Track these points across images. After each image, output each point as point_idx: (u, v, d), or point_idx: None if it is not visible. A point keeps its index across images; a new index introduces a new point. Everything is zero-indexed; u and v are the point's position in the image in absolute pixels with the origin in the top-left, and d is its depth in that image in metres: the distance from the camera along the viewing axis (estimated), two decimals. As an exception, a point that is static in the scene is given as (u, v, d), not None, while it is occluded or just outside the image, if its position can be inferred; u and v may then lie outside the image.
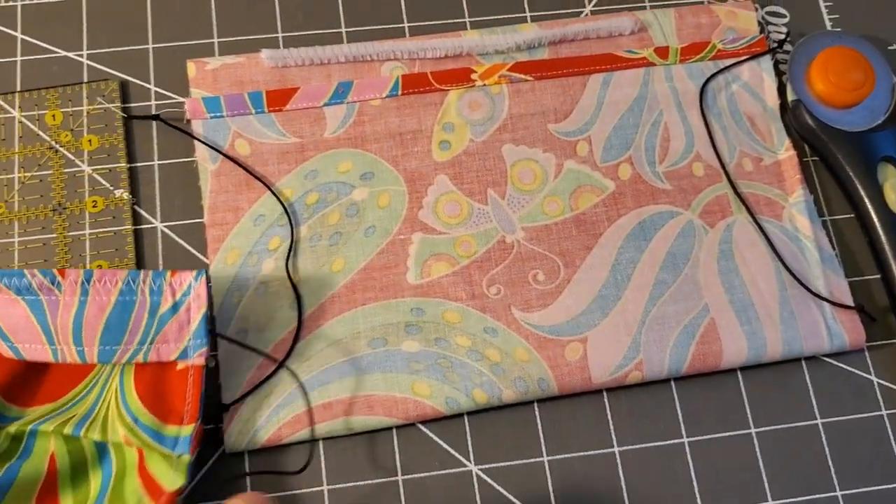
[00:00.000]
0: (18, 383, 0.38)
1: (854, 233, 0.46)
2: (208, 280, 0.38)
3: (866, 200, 0.45)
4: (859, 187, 0.45)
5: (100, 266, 0.43)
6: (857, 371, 0.44)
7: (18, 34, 0.47)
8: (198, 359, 0.38)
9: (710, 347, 0.42)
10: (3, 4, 0.47)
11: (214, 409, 0.40)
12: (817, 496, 0.41)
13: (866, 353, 0.44)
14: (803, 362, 0.44)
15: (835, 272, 0.45)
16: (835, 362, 0.44)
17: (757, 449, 0.42)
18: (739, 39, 0.48)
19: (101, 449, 0.38)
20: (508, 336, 0.42)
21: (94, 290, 0.37)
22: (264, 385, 0.40)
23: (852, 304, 0.44)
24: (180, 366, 0.38)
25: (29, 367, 0.38)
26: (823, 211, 0.47)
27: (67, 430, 0.37)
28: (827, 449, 0.42)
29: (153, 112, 0.45)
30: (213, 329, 0.39)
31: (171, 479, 0.36)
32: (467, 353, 0.42)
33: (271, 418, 0.40)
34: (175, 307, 0.37)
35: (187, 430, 0.37)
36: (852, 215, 0.47)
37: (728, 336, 0.43)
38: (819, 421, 0.43)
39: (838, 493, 0.41)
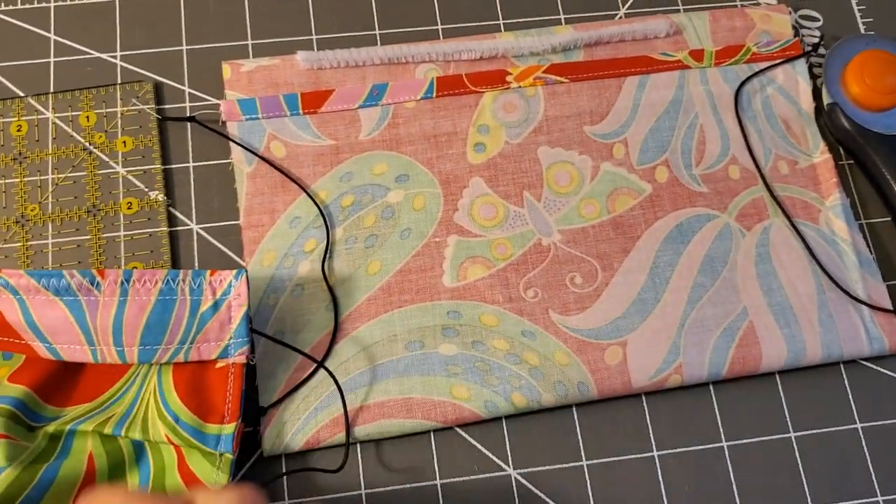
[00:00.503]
0: (55, 383, 0.38)
1: (891, 236, 0.46)
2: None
3: (904, 204, 0.45)
4: (896, 190, 0.45)
5: (135, 268, 0.42)
6: (896, 375, 0.44)
7: (52, 35, 0.47)
8: (239, 357, 0.38)
9: (749, 351, 0.42)
10: (36, 6, 0.47)
11: (252, 412, 0.40)
12: (858, 501, 0.41)
13: (905, 357, 0.44)
14: (842, 366, 0.44)
15: (872, 275, 0.44)
16: (873, 366, 0.44)
17: (797, 453, 0.42)
18: (774, 43, 0.48)
19: (139, 448, 0.38)
20: (547, 339, 0.42)
21: (134, 290, 0.37)
22: (302, 388, 0.40)
23: (891, 308, 0.44)
24: (220, 364, 0.38)
25: (65, 367, 0.38)
26: (859, 214, 0.47)
27: (108, 429, 0.37)
28: (867, 453, 0.42)
29: (188, 114, 0.45)
30: (252, 328, 0.38)
31: (215, 477, 0.36)
32: (505, 357, 0.41)
33: (309, 421, 0.40)
34: (216, 306, 0.37)
35: (229, 428, 0.37)
36: (889, 218, 0.46)
37: (767, 339, 0.42)
38: (859, 425, 0.42)
39: (879, 499, 0.41)
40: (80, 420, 0.37)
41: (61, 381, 0.38)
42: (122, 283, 0.37)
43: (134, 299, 0.37)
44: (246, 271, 0.38)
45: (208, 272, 0.37)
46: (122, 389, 0.39)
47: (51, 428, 0.37)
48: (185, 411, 0.37)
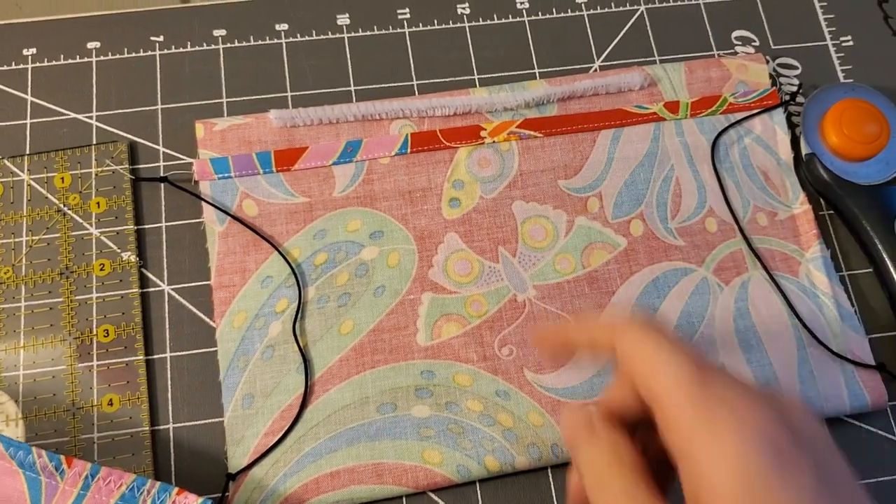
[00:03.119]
0: None
1: (873, 288, 0.45)
2: (217, 502, 0.36)
3: (884, 255, 0.44)
4: (877, 241, 0.44)
5: (106, 331, 0.42)
6: (879, 431, 0.43)
7: (28, 97, 0.47)
8: None
9: (727, 409, 0.41)
10: (13, 67, 0.47)
11: (221, 479, 0.39)
12: (843, 564, 0.40)
13: (889, 413, 0.43)
14: (824, 423, 0.43)
15: (854, 330, 0.44)
16: (856, 423, 0.43)
17: (778, 514, 0.41)
18: (751, 92, 0.48)
19: None
20: (521, 399, 0.41)
21: (97, 486, 0.36)
22: (271, 453, 0.40)
23: (873, 363, 0.43)
24: None
25: None
26: (841, 266, 0.46)
27: None
28: (851, 514, 0.41)
29: (161, 173, 0.45)
30: None
31: None
32: (479, 418, 0.41)
33: (278, 488, 0.39)
34: None
35: None
36: (871, 270, 0.46)
37: (746, 397, 0.41)
38: (842, 485, 0.41)
39: (864, 561, 0.40)
40: None
41: None
42: (86, 476, 0.36)
43: (94, 496, 0.36)
44: (211, 503, 0.36)
45: (175, 490, 0.36)
46: None
47: None
48: None
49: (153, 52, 0.48)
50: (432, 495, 0.40)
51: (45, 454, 0.35)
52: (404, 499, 0.40)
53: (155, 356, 0.42)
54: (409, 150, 0.46)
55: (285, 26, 0.49)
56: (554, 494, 0.41)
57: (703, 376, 0.27)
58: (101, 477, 0.36)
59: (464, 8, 0.50)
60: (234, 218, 0.44)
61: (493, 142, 0.46)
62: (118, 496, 0.36)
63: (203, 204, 0.44)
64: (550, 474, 0.41)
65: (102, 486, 0.36)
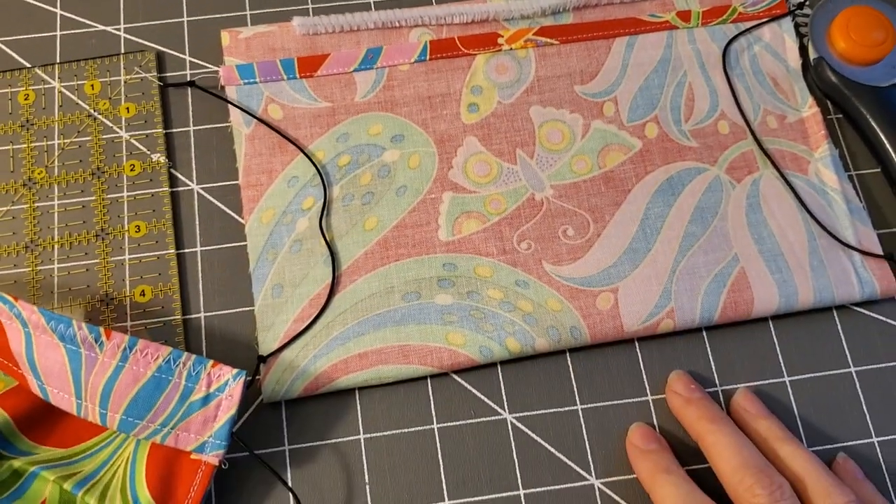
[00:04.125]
0: (37, 417, 0.38)
1: (881, 187, 0.47)
2: (248, 383, 0.37)
3: (892, 153, 0.46)
4: (884, 140, 0.46)
5: (138, 227, 0.43)
6: (888, 320, 0.44)
7: (58, 10, 0.48)
8: (212, 458, 0.37)
9: (741, 295, 0.43)
10: (42, -17, 0.49)
11: (252, 362, 0.41)
12: (854, 443, 0.41)
13: (897, 303, 0.45)
14: (834, 312, 0.44)
15: (862, 222, 0.45)
16: (865, 311, 0.44)
17: (791, 397, 0.42)
18: (760, 2, 0.49)
19: None
20: (540, 288, 0.43)
21: (134, 358, 0.37)
22: (301, 337, 0.41)
23: (881, 253, 0.44)
24: (194, 456, 0.37)
25: (51, 406, 0.38)
26: (849, 166, 0.47)
27: (68, 485, 0.37)
28: (862, 396, 0.42)
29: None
30: (234, 432, 0.37)
31: None
32: (499, 305, 0.42)
33: (307, 368, 0.40)
34: (206, 399, 0.37)
35: None
36: (878, 170, 0.47)
37: (759, 284, 0.43)
38: (853, 369, 0.43)
39: (874, 440, 0.41)
40: (47, 466, 0.37)
41: (44, 417, 0.38)
42: (125, 348, 0.37)
43: (131, 368, 0.37)
44: (245, 374, 0.37)
45: (210, 363, 0.37)
46: (98, 445, 0.39)
47: (17, 463, 0.37)
48: (147, 496, 0.37)
49: (178, -32, 0.49)
50: (455, 377, 0.42)
51: (84, 326, 0.36)
52: (429, 380, 0.42)
53: (186, 250, 0.43)
54: (428, 58, 0.47)
55: (306, -57, 0.51)
56: (573, 377, 0.42)
57: None
58: (139, 349, 0.37)
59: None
60: (260, 121, 0.45)
61: (511, 49, 0.47)
62: (155, 367, 0.37)
63: (230, 107, 0.45)
64: (569, 358, 0.42)
65: (140, 357, 0.37)
